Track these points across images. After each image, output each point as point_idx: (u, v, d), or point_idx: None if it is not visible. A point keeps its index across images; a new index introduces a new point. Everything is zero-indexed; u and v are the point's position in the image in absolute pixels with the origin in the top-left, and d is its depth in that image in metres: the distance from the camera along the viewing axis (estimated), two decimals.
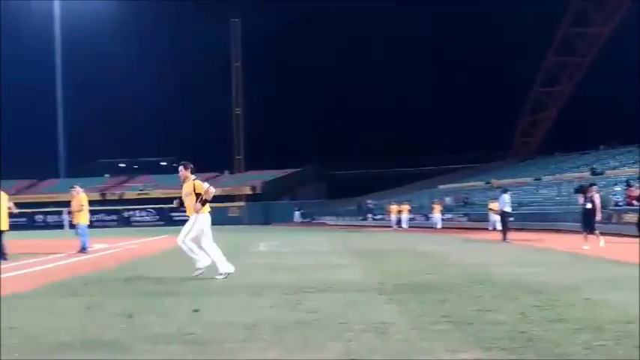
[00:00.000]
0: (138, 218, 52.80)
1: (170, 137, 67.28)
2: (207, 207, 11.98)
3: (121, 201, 55.95)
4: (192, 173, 12.07)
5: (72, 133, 65.18)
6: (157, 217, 52.72)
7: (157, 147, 68.07)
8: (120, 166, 70.07)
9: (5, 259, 16.01)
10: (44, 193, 57.06)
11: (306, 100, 66.85)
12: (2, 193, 16.99)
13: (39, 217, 47.50)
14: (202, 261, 11.96)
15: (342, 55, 68.31)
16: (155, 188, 59.33)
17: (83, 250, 18.87)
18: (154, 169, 67.92)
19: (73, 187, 20.19)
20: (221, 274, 11.53)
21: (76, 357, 5.62)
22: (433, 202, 43.04)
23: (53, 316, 7.72)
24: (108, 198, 55.11)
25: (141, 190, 58.87)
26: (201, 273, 11.82)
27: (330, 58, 67.71)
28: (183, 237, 11.81)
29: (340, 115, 66.36)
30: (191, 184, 11.88)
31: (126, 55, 65.03)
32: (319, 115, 65.81)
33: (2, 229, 16.50)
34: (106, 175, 66.30)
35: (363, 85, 68.19)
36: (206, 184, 11.89)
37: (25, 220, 16.93)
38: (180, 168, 12.07)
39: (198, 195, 11.78)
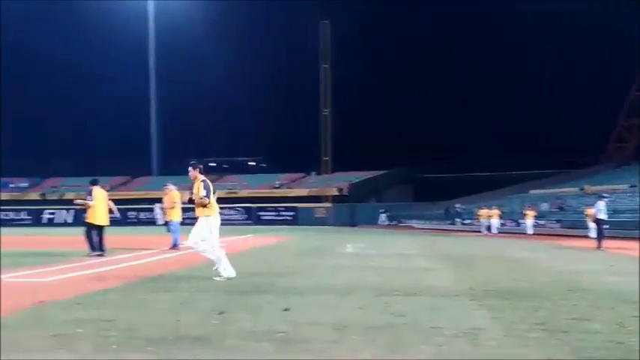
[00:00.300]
0: (226, 217, 53.41)
1: (258, 138, 68.11)
2: (216, 208, 11.91)
3: None
4: (201, 173, 11.94)
5: (164, 132, 66.79)
6: (245, 216, 53.47)
7: (246, 147, 69.00)
8: (210, 166, 71.30)
9: (104, 255, 16.48)
10: (137, 190, 58.60)
11: (394, 101, 66.58)
12: (102, 190, 17.53)
13: (132, 214, 48.77)
14: (218, 261, 11.91)
15: (430, 55, 67.72)
16: (243, 188, 60.17)
17: (175, 246, 19.26)
18: (243, 169, 68.87)
19: (166, 185, 20.67)
20: (221, 277, 11.45)
21: (171, 351, 5.72)
22: (526, 208, 42.15)
23: (147, 311, 7.90)
24: None
25: (230, 190, 59.79)
26: (217, 271, 11.82)
27: (419, 59, 67.22)
28: (197, 240, 11.70)
29: (428, 117, 65.82)
30: (197, 185, 11.77)
31: (216, 55, 66.19)
32: (407, 117, 65.44)
33: (103, 224, 16.99)
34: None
35: (451, 87, 67.44)
36: (204, 192, 11.60)
37: (118, 216, 17.43)
38: (190, 168, 12.00)
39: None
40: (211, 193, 11.66)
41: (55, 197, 57.31)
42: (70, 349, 5.71)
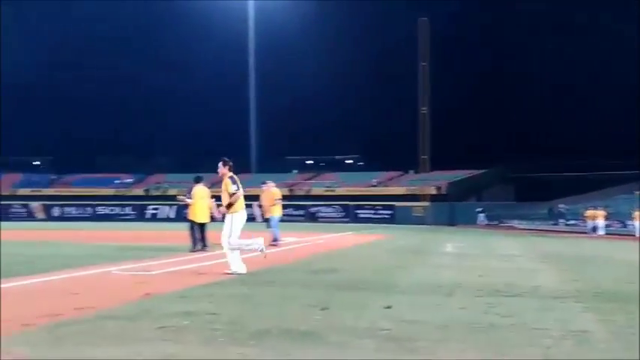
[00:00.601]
0: (324, 214, 53.90)
1: (356, 136, 68.19)
2: (242, 204, 11.83)
3: (308, 197, 57.38)
4: (230, 170, 11.93)
5: (263, 131, 67.75)
6: (343, 213, 53.63)
7: (344, 145, 69.20)
8: (307, 163, 71.88)
9: (206, 250, 16.84)
10: None
11: (494, 99, 65.43)
12: (204, 188, 17.92)
13: None
14: (256, 244, 11.95)
15: (532, 54, 66.25)
16: (340, 185, 60.36)
17: (275, 242, 19.47)
18: (340, 167, 69.11)
19: (264, 183, 20.91)
20: (231, 271, 11.44)
21: (275, 344, 5.76)
22: (635, 209, 40.61)
23: (250, 305, 7.98)
24: (296, 194, 56.70)
25: (327, 187, 60.12)
26: (262, 251, 11.91)
27: (520, 57, 65.88)
28: (227, 239, 11.63)
29: (530, 114, 64.39)
30: (225, 182, 11.78)
31: (315, 54, 66.65)
32: (507, 114, 64.21)
33: (202, 221, 17.36)
34: (295, 172, 68.32)
35: (553, 84, 65.77)
36: (234, 187, 11.63)
37: (217, 216, 17.93)
38: (220, 164, 12.00)
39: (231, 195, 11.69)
40: (240, 189, 11.70)
41: (158, 193, 58.94)
42: (176, 342, 5.82)
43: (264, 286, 9.87)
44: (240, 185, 11.80)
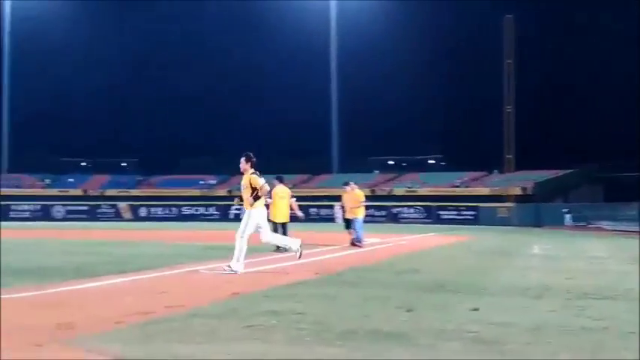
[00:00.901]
0: (405, 215, 53.50)
1: (438, 135, 67.51)
2: (262, 201, 12.03)
3: (390, 197, 57.11)
4: (252, 167, 12.02)
5: (344, 131, 67.76)
6: (425, 214, 53.12)
7: (426, 145, 68.61)
8: (389, 164, 71.53)
9: (287, 250, 16.84)
10: (318, 187, 59.93)
11: (580, 98, 63.79)
12: (284, 188, 18.03)
13: (313, 210, 49.88)
14: (293, 244, 12.24)
15: (623, 52, 64.27)
16: (422, 186, 59.87)
17: (358, 243, 19.45)
18: (422, 167, 68.51)
19: (347, 184, 20.85)
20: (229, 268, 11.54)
21: (362, 345, 5.74)
22: None
23: (335, 305, 8.00)
24: (377, 194, 56.55)
25: (409, 188, 59.74)
26: (297, 252, 12.13)
27: (609, 54, 64.01)
28: (242, 233, 11.70)
29: (618, 113, 62.49)
30: (247, 177, 11.88)
31: (397, 53, 66.28)
32: (594, 113, 62.48)
33: (281, 221, 17.46)
34: (376, 172, 68.15)
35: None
36: (262, 180, 11.77)
37: (300, 215, 18.01)
38: (242, 160, 12.07)
39: (254, 189, 11.77)
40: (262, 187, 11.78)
41: (240, 193, 59.82)
42: (264, 340, 5.88)
43: (349, 286, 9.87)
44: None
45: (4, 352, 5.43)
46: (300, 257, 12.28)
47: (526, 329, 6.51)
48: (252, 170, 12.03)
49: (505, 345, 5.81)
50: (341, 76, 66.82)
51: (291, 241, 12.38)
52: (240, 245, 11.69)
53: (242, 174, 12.19)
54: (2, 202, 52.53)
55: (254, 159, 12.11)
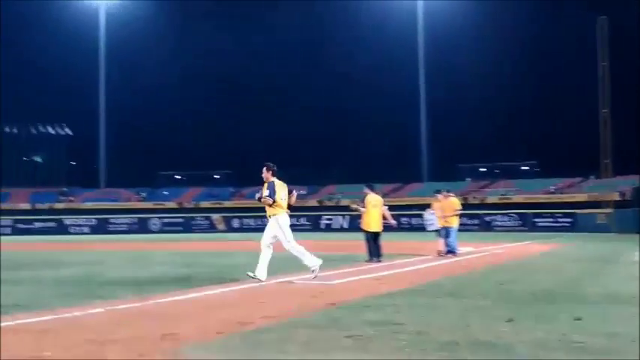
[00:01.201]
0: (499, 223, 52.58)
1: (532, 141, 66.20)
2: (284, 207, 12.26)
3: (483, 205, 56.27)
4: (273, 175, 12.25)
5: (434, 139, 67.19)
6: (519, 222, 52.09)
7: (519, 151, 67.33)
8: (481, 171, 70.51)
9: (380, 260, 16.81)
10: (409, 196, 59.60)
11: None
12: (377, 196, 17.95)
13: (404, 219, 49.61)
14: (313, 262, 12.11)
15: None
16: (516, 193, 58.78)
17: (452, 252, 19.20)
18: (516, 174, 67.27)
19: (439, 192, 20.60)
20: (314, 271, 12.00)
21: (465, 355, 5.66)
22: None
23: (435, 315, 7.92)
24: (470, 202, 55.82)
25: (502, 195, 58.72)
26: (314, 272, 12.05)
27: None
28: (287, 243, 12.15)
29: None
30: (265, 186, 12.19)
31: (488, 57, 65.25)
32: None
33: (374, 230, 17.37)
34: (468, 180, 67.26)
35: None
36: (266, 192, 12.05)
37: (393, 223, 17.95)
38: (263, 169, 12.33)
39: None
40: (276, 194, 12.00)
41: (331, 204, 59.97)
42: (365, 350, 5.87)
43: (446, 296, 9.76)
44: (278, 191, 12.13)
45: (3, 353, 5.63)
46: (314, 278, 12.11)
47: (632, 340, 6.27)
48: (273, 179, 12.30)
49: (614, 356, 5.64)
50: (429, 83, 66.21)
51: (311, 259, 12.32)
52: (298, 250, 12.17)
53: (263, 183, 12.49)
54: (100, 216, 54.55)
55: (274, 168, 12.38)
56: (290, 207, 12.55)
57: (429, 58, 66.33)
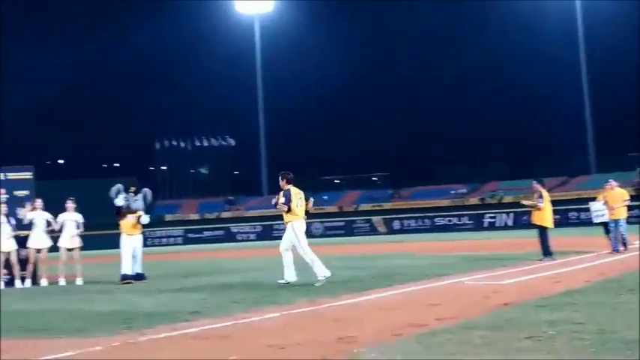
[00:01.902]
0: None
1: None
2: (301, 214, 12.61)
3: None
4: (289, 183, 12.70)
5: (601, 128, 64.32)
6: None
7: None
8: None
9: (553, 258, 16.22)
10: (576, 189, 57.40)
11: None
12: (545, 192, 17.41)
13: (572, 214, 47.87)
14: (322, 271, 12.26)
15: None
16: None
17: (624, 246, 18.26)
18: None
19: (608, 182, 19.68)
20: (320, 280, 12.18)
21: None
22: None
23: (617, 313, 7.59)
24: None
25: None
26: (319, 281, 12.14)
27: None
28: (300, 250, 12.47)
29: None
30: (280, 193, 12.69)
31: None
32: None
33: (550, 226, 16.87)
34: (639, 169, 63.90)
35: None
36: (282, 199, 12.54)
37: (558, 216, 17.29)
38: (280, 177, 12.85)
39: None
40: (292, 202, 12.43)
41: (494, 201, 58.71)
42: (547, 351, 5.72)
43: (628, 293, 9.31)
44: (293, 199, 12.51)
45: None
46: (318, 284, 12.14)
47: None
48: (288, 187, 12.74)
49: None
50: (590, 72, 63.40)
51: (321, 268, 12.37)
52: (310, 257, 12.43)
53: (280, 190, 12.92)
54: (265, 223, 56.22)
55: (290, 176, 12.88)
56: (307, 213, 12.98)
57: (590, 53, 63.41)
